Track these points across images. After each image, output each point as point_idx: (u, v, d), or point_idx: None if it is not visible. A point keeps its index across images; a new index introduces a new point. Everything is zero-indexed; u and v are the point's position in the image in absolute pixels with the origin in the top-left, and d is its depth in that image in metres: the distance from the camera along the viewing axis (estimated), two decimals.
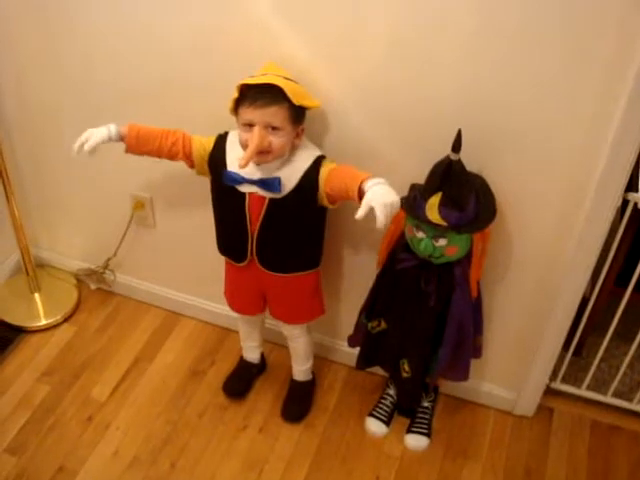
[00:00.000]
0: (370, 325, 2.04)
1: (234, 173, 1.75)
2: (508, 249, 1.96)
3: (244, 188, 1.77)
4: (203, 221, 2.13)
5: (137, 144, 1.83)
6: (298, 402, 2.34)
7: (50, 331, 2.63)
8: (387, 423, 2.27)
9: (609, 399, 2.36)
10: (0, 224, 2.59)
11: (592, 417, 2.38)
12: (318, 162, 1.75)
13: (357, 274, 2.17)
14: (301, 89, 1.69)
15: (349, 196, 1.63)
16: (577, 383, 2.39)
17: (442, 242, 1.76)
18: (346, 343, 2.23)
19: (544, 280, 1.99)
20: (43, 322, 2.64)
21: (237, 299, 2.16)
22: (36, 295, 2.72)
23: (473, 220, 1.75)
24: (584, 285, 1.97)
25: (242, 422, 2.29)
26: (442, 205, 1.70)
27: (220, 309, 2.54)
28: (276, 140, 1.64)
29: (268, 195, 1.75)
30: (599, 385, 2.41)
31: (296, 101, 1.63)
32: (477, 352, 2.11)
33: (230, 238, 1.94)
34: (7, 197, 2.46)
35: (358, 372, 2.38)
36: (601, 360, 2.30)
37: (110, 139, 1.79)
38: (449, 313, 1.90)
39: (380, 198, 1.51)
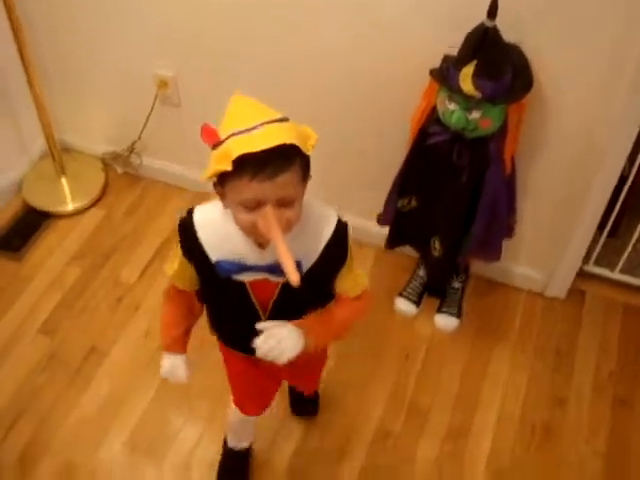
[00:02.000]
0: (401, 203, 1.99)
1: (229, 262, 1.28)
2: (545, 122, 1.88)
3: (246, 276, 1.31)
4: (229, 95, 2.07)
5: (184, 338, 1.51)
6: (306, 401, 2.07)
7: (78, 215, 2.62)
8: (417, 304, 2.26)
9: None
10: (25, 110, 2.55)
11: (625, 300, 2.35)
12: (341, 229, 1.31)
13: (387, 153, 2.10)
14: (301, 127, 1.20)
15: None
16: (611, 266, 2.34)
17: (476, 114, 1.69)
18: (376, 224, 2.18)
19: (581, 156, 1.91)
20: (71, 207, 2.63)
21: (252, 400, 1.71)
22: (63, 180, 2.69)
23: (509, 90, 1.67)
24: (622, 161, 1.90)
25: None
26: (476, 75, 1.62)
27: None
28: (292, 213, 1.18)
29: (282, 280, 1.29)
30: (633, 268, 2.36)
31: (307, 149, 1.18)
32: (510, 231, 2.07)
33: (233, 330, 1.49)
34: (30, 82, 2.40)
35: (387, 253, 2.35)
36: (637, 242, 2.25)
37: (185, 362, 1.50)
38: (482, 189, 1.84)
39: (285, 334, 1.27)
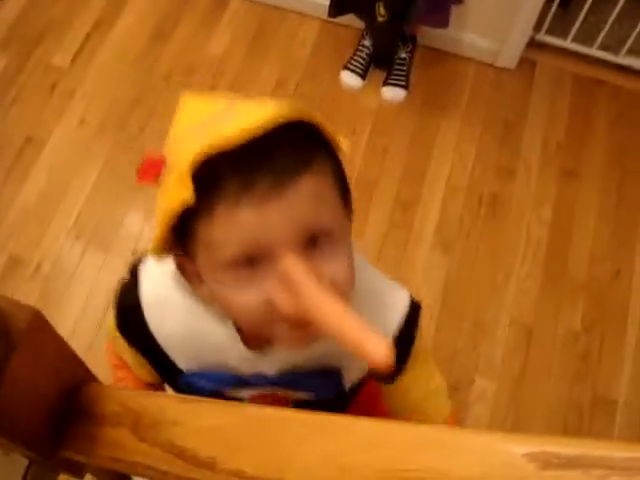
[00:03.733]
0: None
1: (209, 377, 0.82)
2: None
3: (245, 392, 0.84)
4: None
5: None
6: None
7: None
8: (363, 76, 2.18)
9: (594, 51, 2.25)
10: None
11: (576, 71, 2.29)
12: (415, 316, 0.84)
13: None
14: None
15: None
16: (563, 36, 2.26)
17: None
18: None
19: None
20: None
21: None
22: None
23: None
24: None
25: (211, 82, 2.19)
26: None
27: None
28: (339, 265, 0.65)
29: (300, 396, 0.85)
30: (585, 39, 2.28)
31: (338, 144, 0.66)
32: None
33: None
34: None
35: (332, 25, 2.24)
36: (589, 13, 2.16)
37: None
38: None
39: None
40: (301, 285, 0.59)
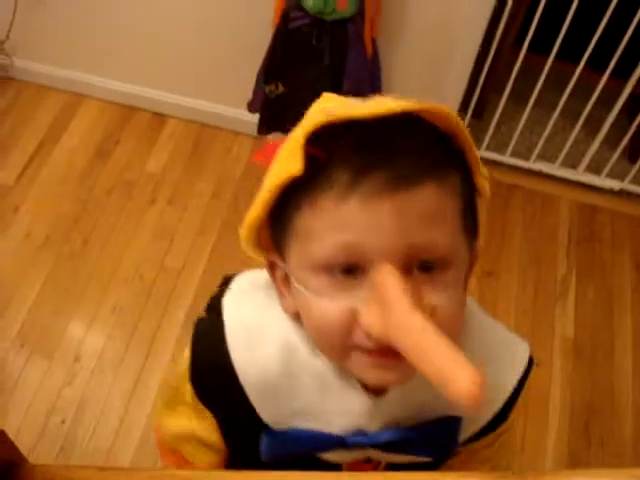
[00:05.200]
0: (268, 89, 2.03)
1: (308, 433, 0.68)
2: (404, 5, 1.93)
3: (341, 456, 0.71)
4: None
5: None
6: None
7: None
8: None
9: (508, 159, 2.45)
10: None
11: (492, 177, 2.46)
12: (529, 374, 0.74)
13: (254, 38, 2.12)
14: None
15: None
16: (477, 144, 2.46)
17: None
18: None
19: (441, 35, 1.99)
20: None
21: None
22: None
23: None
24: (479, 37, 1.98)
25: (150, 196, 2.32)
26: None
27: (124, 87, 2.50)
28: (444, 297, 0.58)
29: (400, 460, 0.71)
30: (499, 147, 2.49)
31: (479, 177, 0.64)
32: None
33: None
34: None
35: (264, 141, 2.40)
36: (501, 123, 2.37)
37: None
38: (345, 71, 1.90)
39: None
40: (394, 301, 0.51)
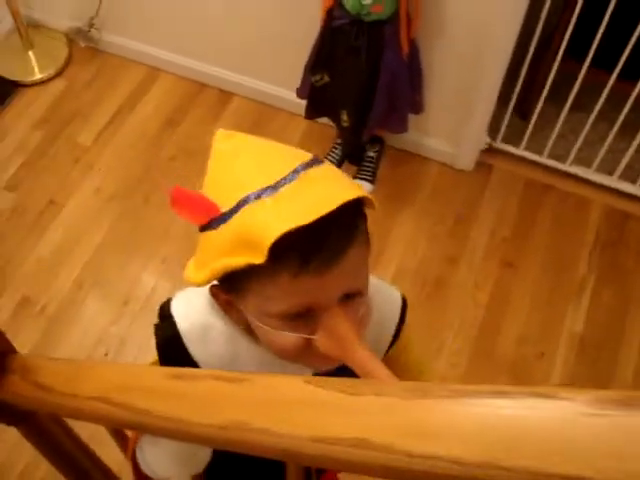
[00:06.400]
0: (314, 78, 2.23)
1: None
2: (441, 5, 2.09)
3: None
4: None
5: None
6: None
7: (44, 85, 2.87)
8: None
9: (545, 160, 2.56)
10: None
11: (528, 175, 2.59)
12: (405, 312, 1.03)
13: (306, 31, 2.31)
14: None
15: None
16: (517, 143, 2.58)
17: (368, 0, 1.92)
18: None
19: (477, 33, 2.13)
20: (38, 76, 2.88)
21: None
22: (30, 53, 2.93)
23: None
24: (514, 35, 2.10)
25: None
26: None
27: (196, 65, 2.75)
28: (363, 307, 0.81)
29: None
30: (539, 148, 2.60)
31: (371, 203, 0.80)
32: (416, 107, 2.31)
33: None
34: None
35: (316, 124, 2.60)
36: (545, 125, 2.47)
37: None
38: (380, 68, 2.08)
39: None
40: (344, 339, 0.74)
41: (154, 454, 0.91)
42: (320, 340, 0.75)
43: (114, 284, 2.34)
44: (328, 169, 0.78)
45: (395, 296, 1.01)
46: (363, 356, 0.73)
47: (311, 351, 0.77)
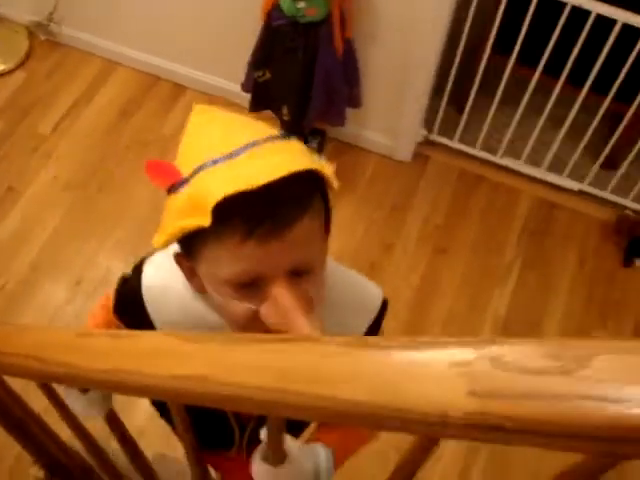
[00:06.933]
0: (256, 74, 2.38)
1: None
2: (372, 6, 2.25)
3: None
4: None
5: None
6: None
7: (4, 76, 2.99)
8: None
9: (477, 152, 2.73)
10: None
11: (462, 167, 2.77)
12: (384, 312, 1.03)
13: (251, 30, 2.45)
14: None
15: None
16: (450, 136, 2.74)
17: (302, 4, 2.08)
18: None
19: (407, 30, 2.28)
20: None
21: None
22: None
23: None
24: (442, 31, 2.26)
25: (162, 155, 2.71)
26: None
27: (152, 59, 2.89)
28: (314, 286, 0.82)
29: None
30: (473, 140, 2.76)
31: (332, 181, 0.81)
32: (354, 102, 2.47)
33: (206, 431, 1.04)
34: None
35: (260, 116, 2.74)
36: (481, 119, 2.62)
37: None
38: (316, 67, 2.24)
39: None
40: (287, 311, 0.75)
41: (71, 402, 1.06)
42: (264, 311, 0.77)
43: (69, 266, 2.48)
44: (291, 144, 0.78)
45: (373, 292, 1.01)
46: (305, 330, 0.75)
47: (260, 323, 0.79)
